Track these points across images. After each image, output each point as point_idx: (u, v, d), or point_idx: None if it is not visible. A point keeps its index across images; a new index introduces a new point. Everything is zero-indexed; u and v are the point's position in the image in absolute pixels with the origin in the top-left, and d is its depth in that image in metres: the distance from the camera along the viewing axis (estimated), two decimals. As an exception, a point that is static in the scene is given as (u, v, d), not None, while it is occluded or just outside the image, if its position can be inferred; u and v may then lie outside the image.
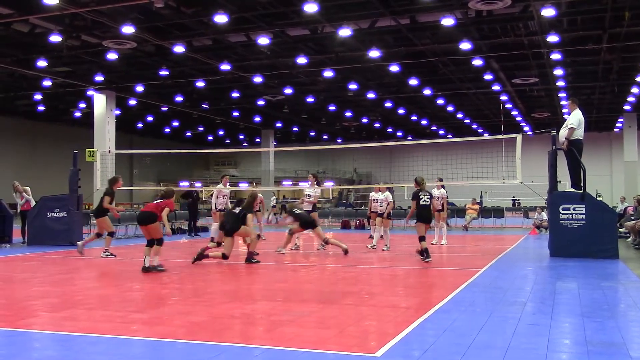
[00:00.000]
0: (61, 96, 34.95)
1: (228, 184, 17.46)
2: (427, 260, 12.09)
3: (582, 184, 12.77)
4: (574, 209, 12.57)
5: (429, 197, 12.76)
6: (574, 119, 12.90)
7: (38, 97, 34.51)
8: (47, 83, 30.04)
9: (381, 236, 15.11)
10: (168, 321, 6.39)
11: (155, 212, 10.71)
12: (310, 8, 18.40)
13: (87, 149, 19.15)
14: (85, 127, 37.93)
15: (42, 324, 6.43)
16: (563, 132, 13.06)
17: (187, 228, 21.70)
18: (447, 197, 17.71)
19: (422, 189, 12.72)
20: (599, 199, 33.19)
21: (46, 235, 16.06)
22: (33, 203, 16.99)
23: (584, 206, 12.50)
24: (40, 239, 16.08)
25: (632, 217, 17.60)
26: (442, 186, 17.42)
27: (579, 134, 12.92)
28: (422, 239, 12.41)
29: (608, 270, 10.78)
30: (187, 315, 6.66)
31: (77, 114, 41.72)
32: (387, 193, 15.24)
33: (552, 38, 21.43)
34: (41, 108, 39.44)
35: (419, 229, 12.49)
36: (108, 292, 8.71)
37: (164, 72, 27.77)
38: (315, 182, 15.25)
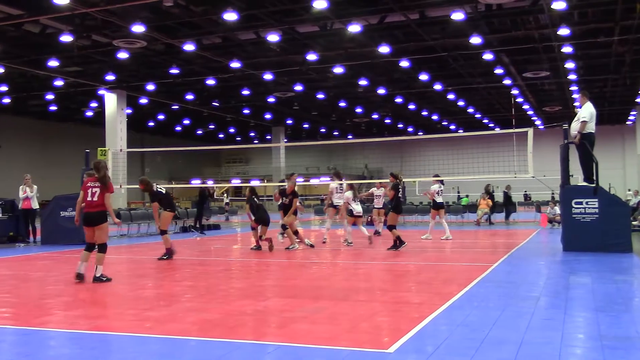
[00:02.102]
0: (72, 96, 35.16)
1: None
2: (403, 246, 13.14)
3: (594, 178, 12.69)
4: (586, 203, 12.49)
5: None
6: (586, 112, 12.81)
7: (50, 97, 34.73)
8: (58, 83, 30.23)
9: (377, 231, 15.40)
10: (181, 318, 6.41)
11: (105, 209, 9.26)
12: (319, 4, 18.40)
13: (99, 148, 19.20)
14: (97, 127, 38.13)
15: (56, 322, 6.48)
16: (575, 126, 12.97)
17: (198, 226, 21.73)
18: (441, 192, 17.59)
19: (400, 183, 13.68)
20: (628, 193, 32.77)
21: (59, 234, 16.15)
22: (35, 203, 16.75)
23: (596, 200, 12.42)
24: (53, 238, 16.19)
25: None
26: (441, 182, 17.31)
27: (591, 127, 12.82)
28: (394, 227, 13.31)
29: (622, 264, 10.71)
30: (200, 313, 6.69)
31: (89, 114, 41.97)
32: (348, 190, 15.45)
33: (563, 31, 21.29)
34: (53, 108, 39.70)
35: (395, 219, 13.43)
36: (121, 290, 8.76)
37: (174, 71, 27.87)
38: (338, 179, 16.18)
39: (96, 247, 9.25)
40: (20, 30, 21.89)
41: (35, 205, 16.77)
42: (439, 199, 17.01)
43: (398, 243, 13.19)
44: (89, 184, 9.27)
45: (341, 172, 17.94)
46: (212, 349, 5.21)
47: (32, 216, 16.90)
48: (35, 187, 16.74)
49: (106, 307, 7.36)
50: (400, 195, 13.75)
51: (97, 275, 9.00)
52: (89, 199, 9.17)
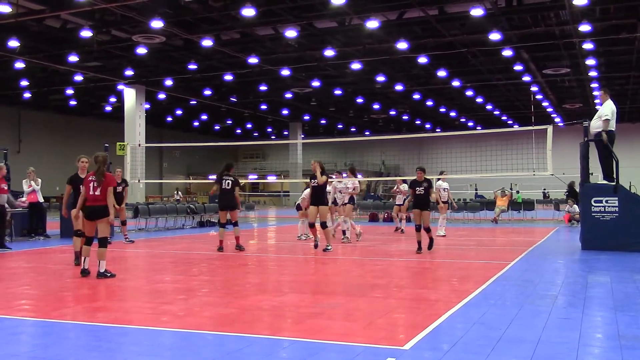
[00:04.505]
0: (92, 91, 35.50)
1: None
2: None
3: (614, 176, 12.56)
4: (606, 202, 12.37)
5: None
6: (607, 109, 12.67)
7: (70, 91, 35.09)
8: (78, 78, 30.52)
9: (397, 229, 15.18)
10: (198, 313, 6.45)
11: (107, 202, 8.97)
12: (338, 0, 18.35)
13: (118, 143, 19.35)
14: (116, 121, 38.46)
15: (75, 314, 6.55)
16: (595, 124, 12.84)
17: (216, 221, 21.81)
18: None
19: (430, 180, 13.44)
20: None
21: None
22: (40, 197, 16.40)
23: (616, 198, 12.29)
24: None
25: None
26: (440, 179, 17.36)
27: (611, 125, 12.69)
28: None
29: (642, 263, 10.58)
30: (216, 307, 6.72)
31: (108, 108, 42.36)
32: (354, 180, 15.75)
33: (584, 27, 21.04)
34: (73, 102, 40.10)
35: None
36: (138, 284, 8.84)
37: (192, 66, 27.99)
38: (352, 175, 15.86)
39: (97, 241, 9.03)
40: (41, 25, 22.13)
41: (40, 198, 16.37)
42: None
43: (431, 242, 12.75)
44: (89, 178, 9.10)
45: (356, 168, 17.75)
46: (228, 344, 5.24)
47: (37, 209, 16.71)
48: (39, 180, 16.26)
49: (124, 301, 7.42)
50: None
51: (102, 270, 8.88)
52: (90, 193, 8.98)
